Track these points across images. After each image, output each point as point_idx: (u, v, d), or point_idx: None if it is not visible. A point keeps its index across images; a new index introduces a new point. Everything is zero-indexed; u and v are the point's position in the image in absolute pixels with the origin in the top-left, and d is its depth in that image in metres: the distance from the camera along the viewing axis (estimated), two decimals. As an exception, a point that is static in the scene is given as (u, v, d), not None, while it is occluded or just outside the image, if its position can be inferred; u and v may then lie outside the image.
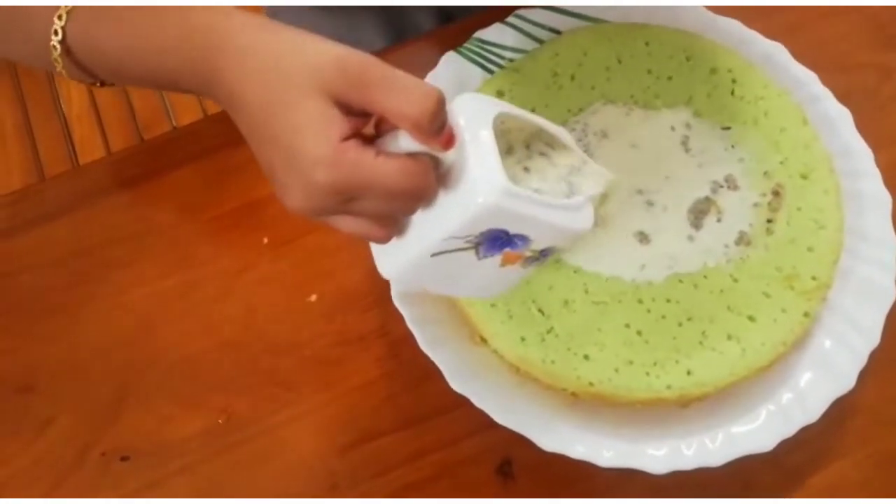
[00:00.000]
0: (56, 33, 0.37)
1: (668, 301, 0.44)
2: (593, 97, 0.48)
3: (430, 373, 0.42)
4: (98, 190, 0.53)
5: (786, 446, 0.42)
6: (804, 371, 0.44)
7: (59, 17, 0.37)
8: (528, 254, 0.34)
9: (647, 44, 0.49)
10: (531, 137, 0.35)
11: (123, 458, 0.45)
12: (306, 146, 0.30)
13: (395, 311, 0.43)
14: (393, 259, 0.35)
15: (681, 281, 0.44)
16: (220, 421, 0.45)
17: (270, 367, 0.47)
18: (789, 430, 0.42)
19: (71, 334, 0.48)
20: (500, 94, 0.48)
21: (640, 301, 0.44)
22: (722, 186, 0.46)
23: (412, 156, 0.31)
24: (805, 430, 0.42)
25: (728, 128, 0.47)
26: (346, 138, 0.30)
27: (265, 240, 0.50)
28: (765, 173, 0.46)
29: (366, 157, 0.30)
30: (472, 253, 0.33)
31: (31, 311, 0.49)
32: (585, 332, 0.43)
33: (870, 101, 0.53)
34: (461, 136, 0.31)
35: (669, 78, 0.49)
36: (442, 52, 0.50)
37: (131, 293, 0.49)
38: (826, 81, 0.50)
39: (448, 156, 0.32)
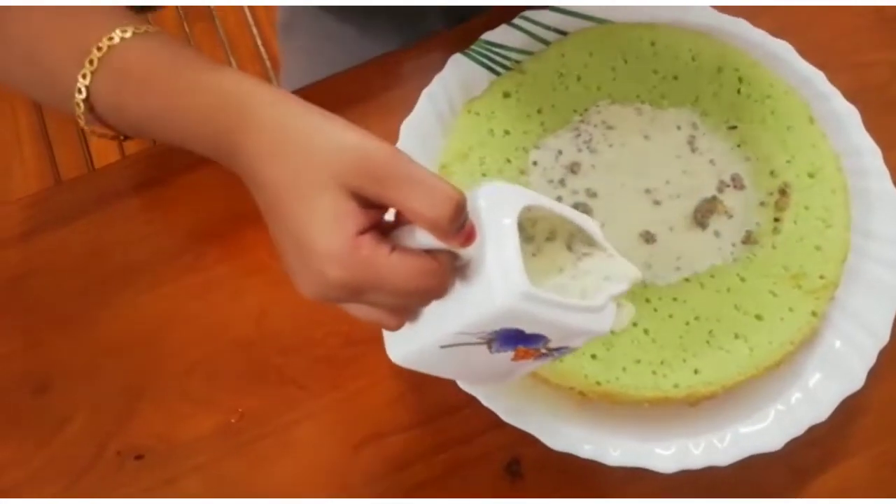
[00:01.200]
0: (80, 91, 0.37)
1: (675, 300, 0.44)
2: (599, 97, 0.48)
3: (439, 372, 0.43)
4: (113, 193, 0.54)
5: (795, 446, 0.42)
6: (813, 370, 0.44)
7: (84, 76, 0.37)
8: (542, 350, 0.33)
9: (652, 44, 0.50)
10: (557, 228, 0.34)
11: (138, 457, 0.45)
12: (319, 241, 0.29)
13: (404, 311, 0.44)
14: (402, 345, 0.34)
15: (687, 280, 0.44)
16: (232, 420, 0.46)
17: (282, 367, 0.47)
18: (798, 429, 0.42)
19: (86, 335, 0.49)
20: (506, 96, 0.48)
21: (647, 300, 0.44)
22: (728, 186, 0.46)
23: (430, 252, 0.30)
24: (814, 430, 0.42)
25: (734, 127, 0.48)
26: (362, 232, 0.30)
27: (275, 242, 0.51)
28: (771, 172, 0.46)
29: (380, 255, 0.29)
30: (483, 347, 0.32)
31: (47, 312, 0.50)
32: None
33: (878, 99, 0.53)
34: (483, 229, 0.30)
35: (675, 77, 0.49)
36: (449, 55, 0.50)
37: (146, 295, 0.50)
38: (833, 79, 0.50)
39: (468, 249, 0.30)
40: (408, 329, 0.33)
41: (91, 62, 0.37)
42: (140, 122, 0.38)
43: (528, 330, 0.31)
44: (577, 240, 0.34)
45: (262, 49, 1.23)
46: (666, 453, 0.42)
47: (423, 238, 0.30)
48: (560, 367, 0.42)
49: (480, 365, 0.34)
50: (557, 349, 0.33)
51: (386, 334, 0.35)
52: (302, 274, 0.31)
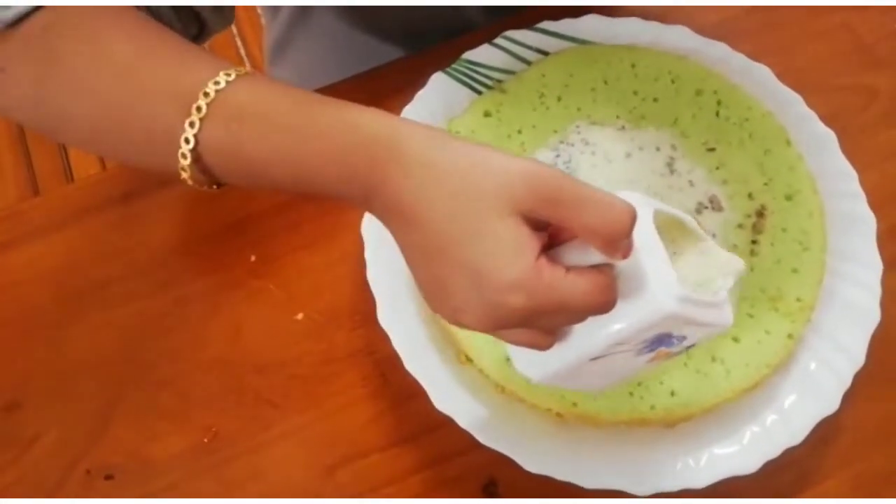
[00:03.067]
0: (187, 141, 0.34)
1: (653, 321, 0.44)
2: (579, 118, 0.48)
3: (416, 392, 0.42)
4: (89, 206, 0.53)
5: (770, 468, 0.42)
6: (789, 392, 0.44)
7: (192, 125, 0.34)
8: (676, 350, 0.34)
9: (633, 65, 0.50)
10: (670, 230, 0.35)
11: (108, 477, 0.45)
12: (502, 271, 0.29)
13: (382, 330, 0.44)
14: (546, 363, 0.33)
15: (665, 301, 0.44)
16: (205, 439, 0.45)
17: (257, 386, 0.47)
18: (774, 451, 0.42)
19: (58, 351, 0.48)
20: (487, 115, 0.48)
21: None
22: (707, 207, 0.46)
23: (596, 268, 0.30)
24: (790, 452, 0.42)
25: (713, 149, 0.48)
26: (538, 257, 0.29)
27: (252, 257, 0.50)
28: (749, 195, 0.47)
29: (558, 276, 0.29)
30: (630, 354, 0.33)
31: (20, 327, 0.49)
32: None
33: (855, 123, 0.54)
34: (634, 244, 0.31)
35: (655, 99, 0.49)
36: (430, 73, 0.50)
37: (119, 310, 0.49)
38: (811, 103, 0.51)
39: (621, 262, 0.31)
40: (556, 347, 0.33)
41: (199, 109, 0.34)
42: (256, 168, 0.35)
43: (675, 332, 0.32)
44: (681, 236, 0.35)
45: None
46: (642, 475, 0.42)
47: (587, 255, 0.30)
48: (537, 388, 0.42)
49: (617, 370, 0.35)
50: (690, 346, 0.34)
51: (519, 357, 0.35)
52: (472, 307, 0.30)
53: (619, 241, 0.29)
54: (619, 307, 0.31)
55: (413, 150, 0.31)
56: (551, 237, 0.31)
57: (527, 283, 0.29)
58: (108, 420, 0.46)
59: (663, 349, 0.34)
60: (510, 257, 0.29)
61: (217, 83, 0.34)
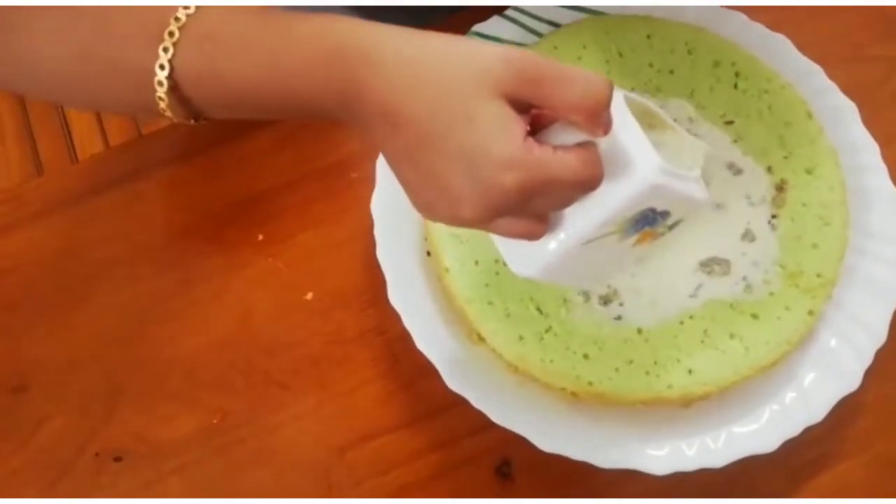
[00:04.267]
0: (162, 68, 0.34)
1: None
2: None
3: (427, 372, 0.42)
4: (93, 186, 0.52)
5: (790, 447, 0.41)
6: (809, 370, 0.43)
7: (165, 50, 0.33)
8: (660, 230, 0.35)
9: (648, 37, 0.48)
10: (640, 119, 0.35)
11: (117, 459, 0.44)
12: (494, 151, 0.29)
13: (392, 309, 0.43)
14: (535, 255, 0.34)
15: (682, 278, 0.43)
16: (214, 421, 0.45)
17: (266, 367, 0.46)
18: (793, 430, 0.41)
19: (65, 334, 0.47)
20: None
21: (639, 292, 0.43)
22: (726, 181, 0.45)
23: (581, 146, 0.31)
24: (810, 431, 0.41)
25: (731, 122, 0.47)
26: (526, 135, 0.30)
27: (260, 237, 0.49)
28: (769, 168, 0.45)
29: (547, 152, 0.30)
30: (616, 237, 0.34)
31: (26, 310, 0.48)
32: (585, 331, 0.42)
33: (876, 95, 0.52)
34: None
35: (671, 72, 0.48)
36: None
37: (125, 292, 0.48)
38: (831, 75, 0.49)
39: (601, 141, 0.31)
40: (547, 236, 0.33)
41: (171, 34, 0.33)
42: (234, 90, 0.34)
43: (660, 207, 0.33)
44: (650, 125, 0.35)
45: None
46: (659, 454, 0.41)
47: (570, 134, 0.31)
48: (552, 368, 0.41)
49: (606, 260, 0.36)
50: (671, 227, 0.36)
51: (510, 253, 0.35)
52: (469, 195, 0.30)
53: (600, 114, 0.30)
54: (605, 186, 0.31)
55: (388, 50, 0.31)
56: (531, 125, 0.31)
57: (519, 161, 0.29)
58: (116, 402, 0.45)
59: (648, 229, 0.34)
60: (500, 137, 0.29)
61: (187, 8, 0.34)
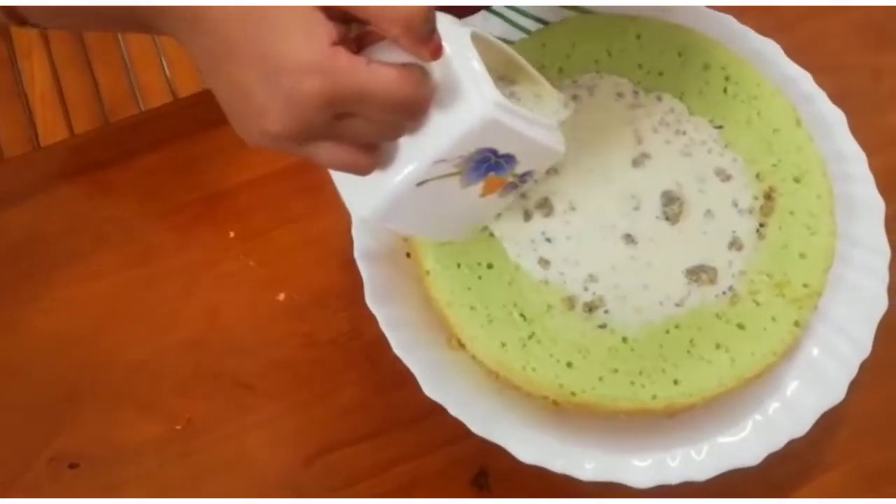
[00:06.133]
0: None
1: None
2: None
3: (404, 378, 0.40)
4: (57, 175, 0.50)
5: (772, 459, 0.40)
6: (793, 381, 0.43)
7: None
8: (509, 178, 0.34)
9: (638, 37, 0.47)
10: (496, 63, 0.35)
11: (73, 466, 0.42)
12: (293, 52, 0.27)
13: (368, 312, 0.41)
14: (371, 194, 0.32)
15: (669, 286, 0.42)
16: (178, 426, 0.43)
17: (234, 370, 0.44)
18: (777, 443, 0.41)
19: (21, 330, 0.45)
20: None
21: (624, 298, 0.42)
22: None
23: (404, 65, 0.29)
24: (792, 443, 0.41)
25: (720, 126, 0.46)
26: (334, 43, 0.28)
27: (231, 234, 0.47)
28: (757, 175, 0.45)
29: (358, 62, 0.28)
30: (456, 180, 0.32)
31: (-22, 304, 0.46)
32: (569, 338, 0.41)
33: (864, 103, 0.52)
34: (445, 50, 0.30)
35: (661, 73, 0.47)
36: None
37: (87, 287, 0.46)
38: (820, 81, 0.49)
39: (434, 72, 0.30)
40: (376, 175, 0.32)
41: None
42: None
43: (501, 149, 0.32)
44: (516, 78, 0.35)
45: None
46: (642, 465, 0.40)
47: (393, 53, 0.29)
48: (534, 376, 0.40)
49: (450, 207, 0.35)
50: (522, 177, 0.34)
51: (347, 190, 0.34)
52: (271, 105, 0.28)
53: (418, 25, 0.28)
54: (437, 118, 0.30)
55: None
56: (358, 44, 0.30)
57: (321, 64, 0.27)
58: (73, 405, 0.43)
59: (493, 175, 0.33)
60: (301, 39, 0.28)
61: None
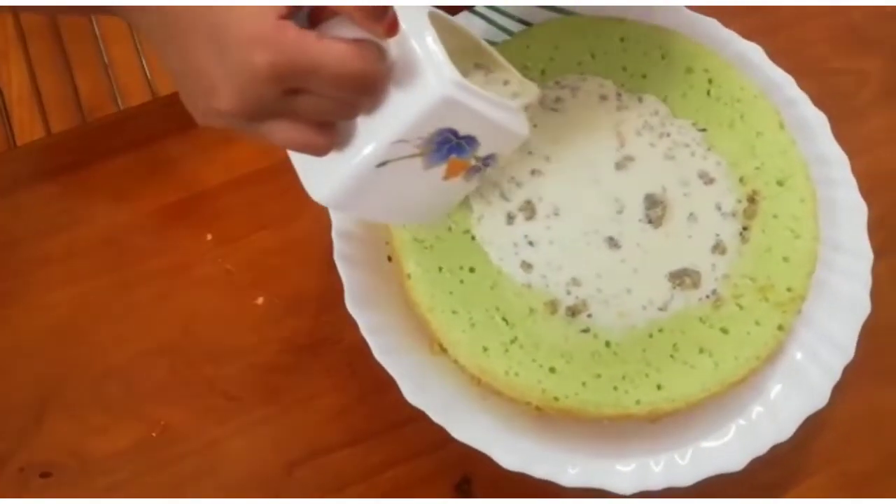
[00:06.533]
0: None
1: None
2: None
3: (385, 384, 0.39)
4: (29, 176, 0.49)
5: (755, 464, 0.40)
6: (776, 386, 0.43)
7: None
8: (472, 162, 0.33)
9: (621, 39, 0.47)
10: (458, 48, 0.34)
11: (44, 475, 0.41)
12: (241, 26, 0.27)
13: (349, 316, 0.40)
14: (330, 176, 0.32)
15: (652, 290, 0.42)
16: (153, 434, 0.42)
17: (211, 376, 0.43)
18: (761, 448, 0.40)
19: (-10, 336, 0.44)
20: (466, 87, 0.45)
21: (607, 303, 0.41)
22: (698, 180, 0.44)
23: (357, 40, 0.29)
24: (776, 447, 0.41)
25: (704, 129, 0.45)
26: (282, 17, 0.28)
27: (209, 236, 0.46)
28: (741, 179, 0.45)
29: (307, 36, 0.27)
30: (418, 162, 0.32)
31: (-54, 309, 0.44)
32: (551, 343, 0.40)
33: (845, 108, 0.52)
34: (402, 27, 0.29)
35: (644, 76, 0.47)
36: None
37: (59, 291, 0.45)
38: (803, 85, 0.49)
39: (391, 50, 0.30)
40: (334, 157, 0.31)
41: None
42: None
43: (462, 130, 0.32)
44: (479, 58, 0.35)
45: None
46: (625, 470, 0.40)
47: (346, 29, 0.29)
48: (517, 382, 0.39)
49: (413, 190, 0.34)
50: (485, 160, 0.34)
51: (305, 173, 0.33)
52: (221, 82, 0.28)
53: (372, 3, 0.28)
54: (394, 97, 0.30)
55: None
56: (312, 21, 0.30)
57: (269, 37, 0.27)
58: (45, 412, 0.42)
59: (455, 157, 0.33)
60: (249, 11, 0.27)
61: None
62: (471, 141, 0.32)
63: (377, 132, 0.30)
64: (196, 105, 0.30)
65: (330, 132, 0.30)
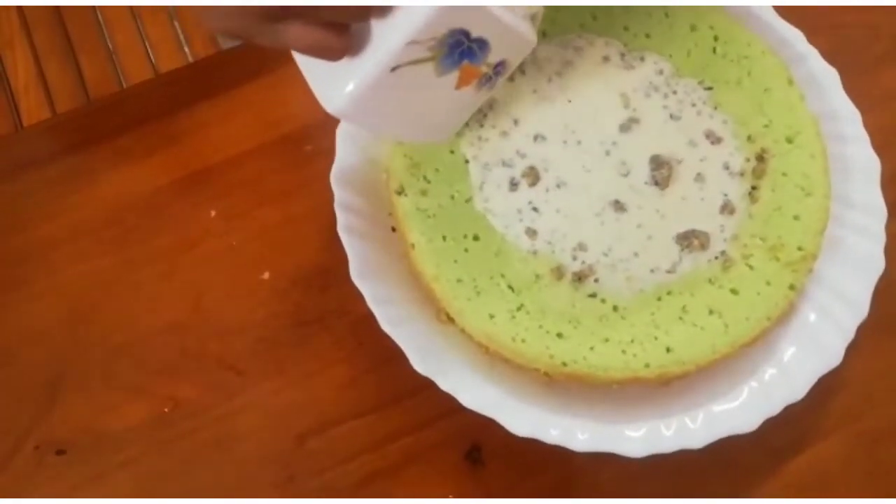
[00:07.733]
0: None
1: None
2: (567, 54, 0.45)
3: (393, 354, 0.39)
4: (35, 157, 0.49)
5: (768, 425, 0.40)
6: (789, 346, 0.42)
7: None
8: (483, 69, 0.34)
9: (623, -2, 0.46)
10: None
11: (59, 452, 0.41)
12: None
13: (355, 289, 0.40)
14: (344, 84, 0.31)
15: (660, 252, 0.41)
16: (165, 409, 0.42)
17: (220, 351, 0.43)
18: (774, 408, 0.40)
19: (1, 317, 0.44)
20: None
21: (614, 268, 0.41)
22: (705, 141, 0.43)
23: None
24: (789, 407, 0.40)
25: (710, 88, 0.44)
26: None
27: (213, 213, 0.46)
28: (749, 137, 0.44)
29: None
30: (431, 67, 0.32)
31: (-43, 293, 0.45)
32: (558, 308, 0.40)
33: (856, 62, 0.51)
34: None
35: (647, 35, 0.45)
36: None
37: (68, 272, 0.45)
38: (812, 40, 0.47)
39: None
40: (347, 64, 0.31)
41: None
42: None
43: (474, 31, 0.32)
44: None
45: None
46: (636, 435, 0.40)
47: None
48: (524, 348, 0.39)
49: (425, 101, 0.34)
50: (496, 67, 0.34)
51: (318, 85, 0.33)
52: None
53: None
54: (404, 2, 0.30)
55: None
56: None
57: None
58: (58, 392, 0.42)
59: (467, 63, 0.33)
60: None
61: None
62: (482, 44, 0.32)
63: (390, 34, 0.30)
64: (212, 14, 0.29)
65: (345, 33, 0.30)
